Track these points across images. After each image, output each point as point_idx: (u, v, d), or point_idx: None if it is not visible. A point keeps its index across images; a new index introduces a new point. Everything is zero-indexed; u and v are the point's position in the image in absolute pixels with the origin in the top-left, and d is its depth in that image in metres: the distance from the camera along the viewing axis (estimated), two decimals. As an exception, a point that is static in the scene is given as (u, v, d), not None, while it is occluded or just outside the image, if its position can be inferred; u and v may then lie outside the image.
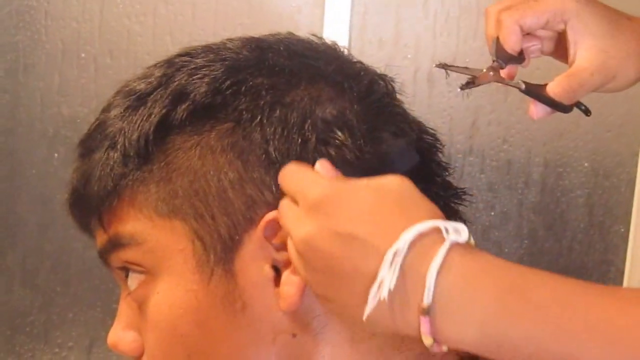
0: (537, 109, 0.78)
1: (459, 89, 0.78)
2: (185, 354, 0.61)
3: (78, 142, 0.66)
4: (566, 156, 1.36)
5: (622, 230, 1.36)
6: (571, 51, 0.77)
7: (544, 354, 0.50)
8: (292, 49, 0.65)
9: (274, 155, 0.59)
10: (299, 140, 0.60)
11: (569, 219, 1.38)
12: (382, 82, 0.66)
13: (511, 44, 0.77)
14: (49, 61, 1.44)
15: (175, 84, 0.62)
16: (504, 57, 0.77)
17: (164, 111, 0.61)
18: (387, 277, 0.51)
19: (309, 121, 0.60)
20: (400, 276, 0.51)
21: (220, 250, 0.59)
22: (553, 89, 0.76)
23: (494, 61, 0.78)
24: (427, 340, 0.51)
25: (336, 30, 1.34)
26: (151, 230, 0.61)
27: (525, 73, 0.80)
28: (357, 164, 0.60)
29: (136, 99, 0.63)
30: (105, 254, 0.64)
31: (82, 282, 1.48)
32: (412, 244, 0.51)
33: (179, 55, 0.65)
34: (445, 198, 0.65)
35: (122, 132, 0.62)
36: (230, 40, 0.66)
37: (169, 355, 0.62)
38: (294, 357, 0.60)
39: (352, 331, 0.60)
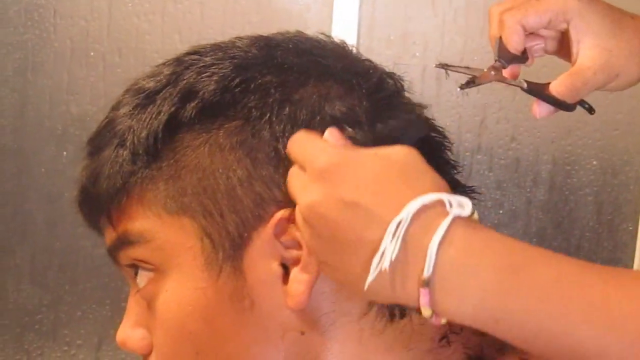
0: (540, 108, 0.78)
1: (458, 89, 0.79)
2: (194, 351, 0.61)
3: (87, 140, 0.66)
4: (574, 154, 1.35)
5: (631, 228, 1.36)
6: (574, 50, 0.78)
7: (541, 332, 0.50)
8: (301, 47, 0.65)
9: (283, 153, 0.59)
10: None
11: (578, 217, 1.37)
12: (390, 80, 0.66)
13: (513, 44, 0.77)
14: (57, 60, 1.43)
15: (184, 82, 0.62)
16: (506, 57, 0.78)
17: (172, 109, 0.61)
18: (389, 248, 0.51)
19: (318, 118, 0.60)
20: (402, 247, 0.51)
21: (228, 247, 0.59)
22: (556, 88, 0.76)
23: (496, 61, 0.78)
24: (426, 312, 0.52)
25: (344, 28, 1.34)
26: (160, 228, 0.61)
27: (530, 72, 0.80)
28: None
29: (145, 97, 0.63)
30: (114, 251, 0.64)
31: (90, 280, 1.48)
32: (416, 216, 0.51)
33: (188, 53, 0.65)
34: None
35: (131, 130, 0.62)
36: (239, 38, 0.66)
37: (178, 353, 0.62)
38: (302, 354, 0.60)
39: (360, 328, 0.61)
